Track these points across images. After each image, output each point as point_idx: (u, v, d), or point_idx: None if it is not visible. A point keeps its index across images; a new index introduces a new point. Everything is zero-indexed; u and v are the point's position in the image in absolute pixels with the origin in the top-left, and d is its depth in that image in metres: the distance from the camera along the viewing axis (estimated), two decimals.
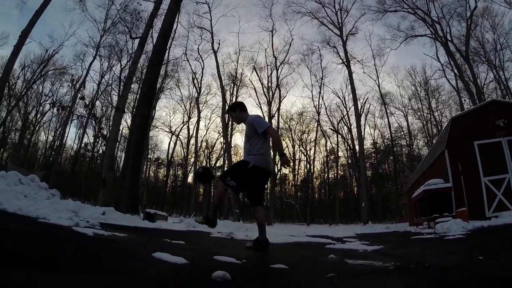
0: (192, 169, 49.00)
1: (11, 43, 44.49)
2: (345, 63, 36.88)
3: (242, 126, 5.14)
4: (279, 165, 37.59)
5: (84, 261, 2.37)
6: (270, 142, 4.96)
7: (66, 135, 43.38)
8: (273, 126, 4.83)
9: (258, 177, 4.66)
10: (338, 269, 2.85)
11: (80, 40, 62.69)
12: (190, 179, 52.53)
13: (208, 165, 51.43)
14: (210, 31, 39.83)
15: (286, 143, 52.95)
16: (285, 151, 4.62)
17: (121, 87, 38.02)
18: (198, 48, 43.26)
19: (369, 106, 46.95)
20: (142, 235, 5.63)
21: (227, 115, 5.62)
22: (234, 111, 5.08)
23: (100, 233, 4.35)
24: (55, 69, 44.25)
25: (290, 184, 59.92)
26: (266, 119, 39.87)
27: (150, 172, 57.50)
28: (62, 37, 71.12)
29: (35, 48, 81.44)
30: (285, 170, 56.98)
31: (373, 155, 52.56)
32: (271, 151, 5.00)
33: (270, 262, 3.06)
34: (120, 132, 27.25)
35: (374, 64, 44.06)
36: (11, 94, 42.54)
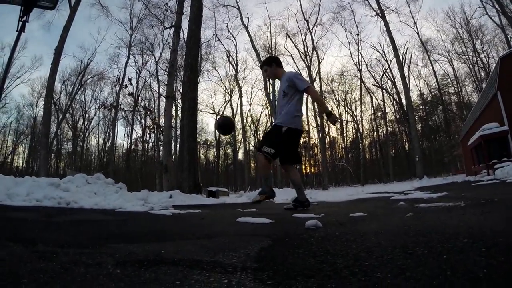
0: (241, 145, 49.76)
1: (46, 63, 47.05)
2: (379, 14, 35.50)
3: None
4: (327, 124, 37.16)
5: (183, 232, 2.64)
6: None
7: (116, 134, 45.16)
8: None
9: (292, 139, 4.54)
10: (414, 211, 3.01)
11: (111, 43, 64.82)
12: (240, 156, 53.36)
13: (257, 139, 51.87)
14: (237, 7, 39.82)
15: (331, 105, 52.45)
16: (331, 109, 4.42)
17: (160, 78, 39.08)
18: (227, 26, 43.70)
19: (411, 55, 45.70)
20: (214, 209, 5.92)
21: (261, 69, 5.38)
22: (270, 66, 4.85)
23: (176, 213, 4.67)
24: (93, 76, 46.28)
25: (340, 147, 59.50)
26: None
27: (201, 155, 58.71)
28: (93, 45, 73.20)
29: (71, 62, 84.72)
30: (334, 132, 56.76)
31: (421, 107, 50.86)
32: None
33: (348, 213, 3.29)
34: None
35: (410, 11, 42.34)
36: (57, 108, 44.97)
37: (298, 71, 5.20)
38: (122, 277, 1.20)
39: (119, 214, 4.46)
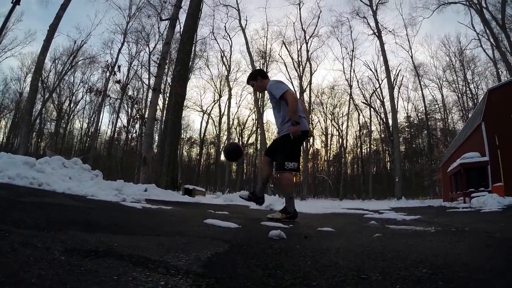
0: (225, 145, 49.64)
1: (39, 39, 46.61)
2: (376, 34, 35.95)
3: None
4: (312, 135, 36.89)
5: (146, 226, 2.60)
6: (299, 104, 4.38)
7: (100, 120, 44.56)
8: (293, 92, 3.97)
9: (301, 141, 4.44)
10: (383, 231, 2.98)
11: (107, 28, 64.22)
12: (222, 157, 53.25)
13: (241, 142, 51.83)
14: (237, 8, 39.88)
15: (318, 118, 52.74)
16: (296, 120, 4.12)
17: (151, 69, 38.82)
18: (225, 26, 43.77)
19: (402, 78, 45.95)
20: (186, 207, 5.87)
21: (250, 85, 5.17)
22: (256, 80, 4.68)
23: (147, 207, 4.62)
24: (85, 59, 45.58)
25: (323, 159, 59.86)
26: (298, 94, 40.09)
27: (184, 152, 58.41)
28: (89, 27, 72.22)
29: (64, 41, 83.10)
30: (318, 144, 57.04)
31: (407, 129, 51.38)
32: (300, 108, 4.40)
33: (317, 226, 3.24)
34: None
35: (406, 34, 42.89)
36: (44, 87, 44.30)
37: (277, 80, 4.97)
38: (64, 264, 1.19)
39: (90, 201, 4.40)
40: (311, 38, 43.75)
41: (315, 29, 43.85)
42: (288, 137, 4.20)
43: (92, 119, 51.19)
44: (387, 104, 40.50)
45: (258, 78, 4.67)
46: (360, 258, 1.69)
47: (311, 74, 43.85)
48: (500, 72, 35.00)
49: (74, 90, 50.33)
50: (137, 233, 2.16)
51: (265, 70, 43.61)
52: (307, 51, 43.29)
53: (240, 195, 4.72)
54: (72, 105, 51.58)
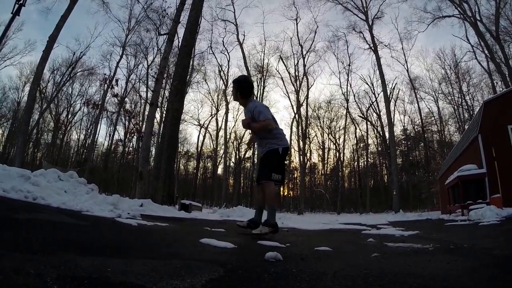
0: (222, 160, 49.61)
1: (38, 48, 46.72)
2: (372, 48, 36.23)
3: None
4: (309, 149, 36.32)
5: (140, 248, 2.55)
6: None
7: (97, 132, 44.49)
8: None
9: (285, 158, 4.56)
10: (380, 250, 2.95)
11: (106, 40, 64.79)
12: (220, 170, 53.16)
13: (238, 156, 51.81)
14: (234, 23, 40.17)
15: (315, 132, 52.88)
16: (253, 129, 4.55)
17: (149, 83, 38.88)
18: (223, 41, 43.77)
19: (398, 91, 46.10)
20: (182, 224, 5.80)
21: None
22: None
23: (143, 223, 4.54)
24: (83, 70, 45.79)
25: (320, 173, 59.81)
26: (295, 108, 40.30)
27: (181, 165, 58.29)
28: (88, 39, 72.64)
29: (63, 52, 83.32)
30: (315, 158, 57.09)
31: (403, 142, 51.45)
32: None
33: (314, 246, 3.20)
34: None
35: (402, 48, 42.99)
36: (42, 97, 44.44)
37: (264, 105, 4.83)
38: None
39: (84, 218, 4.33)
40: (308, 53, 44.05)
41: (312, 44, 44.16)
42: (272, 152, 4.35)
43: (89, 130, 51.42)
44: (384, 118, 40.78)
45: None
46: (357, 283, 1.66)
47: (308, 89, 44.08)
48: (495, 83, 35.18)
49: (72, 101, 50.62)
50: (131, 256, 2.10)
51: (262, 84, 43.95)
52: (304, 65, 43.56)
53: (238, 223, 4.67)
54: (69, 116, 51.92)
